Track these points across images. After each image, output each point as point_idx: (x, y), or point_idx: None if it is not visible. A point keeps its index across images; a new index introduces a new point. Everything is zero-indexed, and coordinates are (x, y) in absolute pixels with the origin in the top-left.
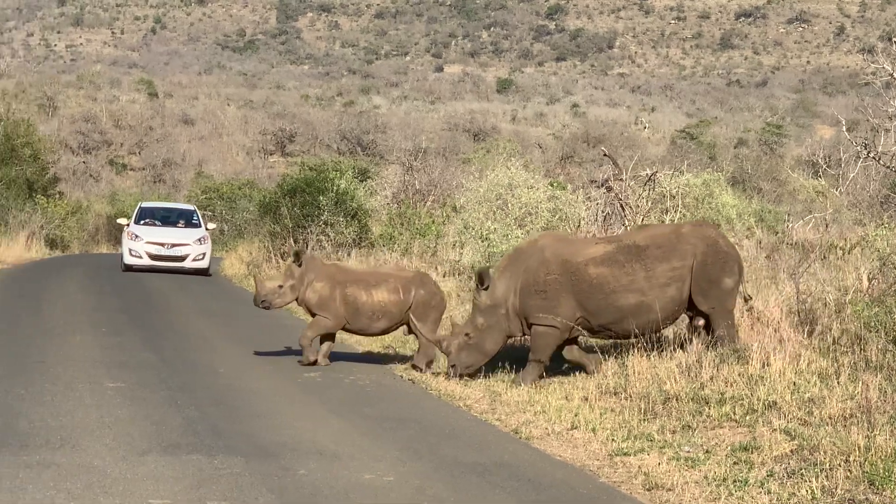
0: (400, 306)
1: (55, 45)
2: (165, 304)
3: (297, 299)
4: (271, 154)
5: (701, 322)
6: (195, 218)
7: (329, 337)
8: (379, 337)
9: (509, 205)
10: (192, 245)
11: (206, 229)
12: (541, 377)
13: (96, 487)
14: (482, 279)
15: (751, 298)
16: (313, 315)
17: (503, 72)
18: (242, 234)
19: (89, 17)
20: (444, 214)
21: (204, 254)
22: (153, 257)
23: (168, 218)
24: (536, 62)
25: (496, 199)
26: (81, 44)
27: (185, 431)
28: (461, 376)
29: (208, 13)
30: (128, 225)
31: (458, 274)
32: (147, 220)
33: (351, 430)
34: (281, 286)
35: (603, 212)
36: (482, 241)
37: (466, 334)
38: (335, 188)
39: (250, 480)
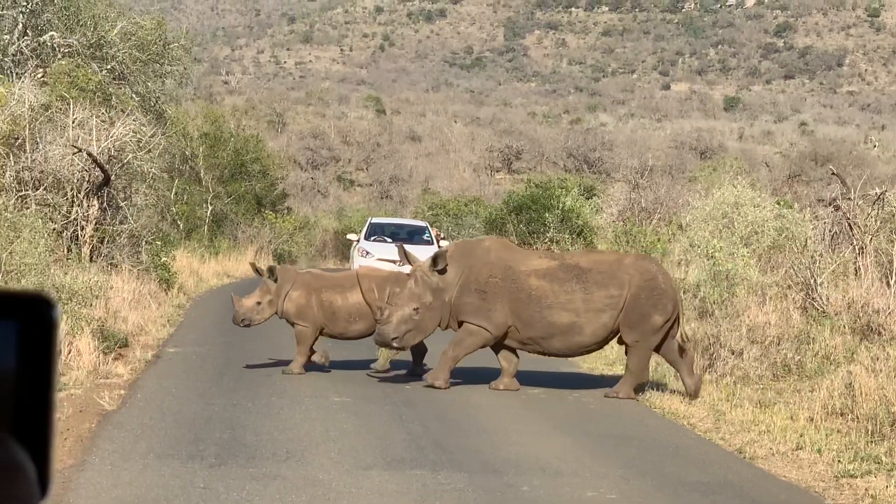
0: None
1: (285, 62)
2: None
3: (276, 313)
4: (497, 171)
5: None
6: (427, 235)
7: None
8: (602, 354)
9: (735, 223)
10: None
11: (439, 247)
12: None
13: (321, 500)
14: (436, 261)
15: (688, 340)
16: (293, 325)
17: (731, 90)
18: None
19: (318, 35)
20: (670, 232)
21: None
22: None
23: (398, 234)
24: (764, 80)
25: (722, 217)
26: (310, 61)
27: (408, 446)
28: (402, 349)
29: (436, 31)
30: (357, 241)
31: (683, 292)
32: (377, 237)
33: (574, 447)
34: (259, 303)
35: (830, 231)
36: (708, 260)
37: (416, 308)
38: (561, 205)
39: (474, 496)
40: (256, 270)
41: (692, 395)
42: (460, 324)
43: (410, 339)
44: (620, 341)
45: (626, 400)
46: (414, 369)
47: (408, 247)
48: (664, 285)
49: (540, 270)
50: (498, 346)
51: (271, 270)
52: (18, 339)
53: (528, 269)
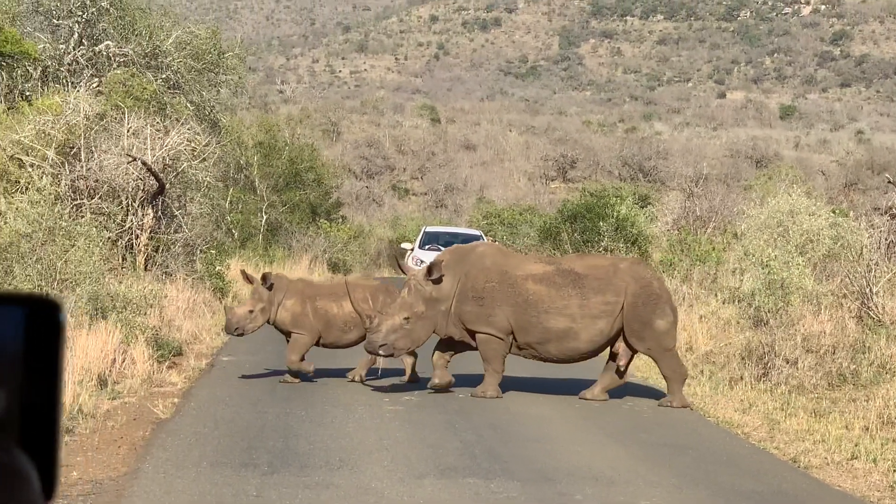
0: None
1: (340, 71)
2: None
3: (269, 321)
4: (552, 180)
5: (622, 362)
6: None
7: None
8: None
9: (790, 232)
10: None
11: None
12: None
13: None
14: (431, 271)
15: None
16: (287, 334)
17: (786, 98)
18: None
19: (373, 44)
20: (725, 241)
21: None
22: None
23: (453, 243)
24: (820, 88)
25: (777, 225)
26: (365, 70)
27: (461, 455)
28: (390, 356)
29: (491, 39)
30: (412, 250)
31: (738, 301)
32: (431, 245)
33: (627, 455)
34: (252, 311)
35: (886, 239)
36: (762, 268)
37: (406, 318)
38: (615, 214)
39: None
40: (247, 278)
41: (591, 393)
42: (471, 333)
43: (403, 346)
44: (631, 349)
45: (679, 409)
46: (411, 376)
47: None
48: (659, 290)
49: (536, 275)
50: (443, 344)
51: (265, 278)
52: (25, 339)
53: (525, 274)
